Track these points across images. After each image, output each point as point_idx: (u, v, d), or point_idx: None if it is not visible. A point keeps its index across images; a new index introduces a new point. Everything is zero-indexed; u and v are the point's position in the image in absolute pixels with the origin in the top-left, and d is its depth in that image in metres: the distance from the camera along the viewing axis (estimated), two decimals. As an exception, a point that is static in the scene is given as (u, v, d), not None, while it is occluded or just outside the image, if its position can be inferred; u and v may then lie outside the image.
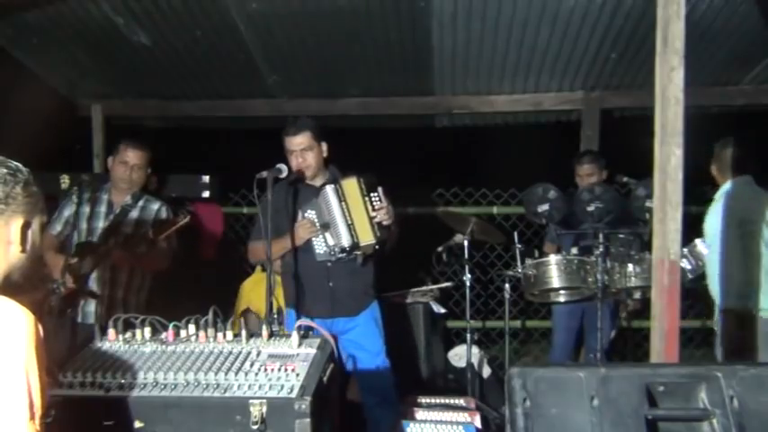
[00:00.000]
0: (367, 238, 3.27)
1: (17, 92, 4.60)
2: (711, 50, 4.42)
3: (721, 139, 3.66)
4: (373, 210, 3.30)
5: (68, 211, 3.64)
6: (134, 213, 3.67)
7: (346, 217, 3.24)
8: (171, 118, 5.76)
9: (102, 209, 3.66)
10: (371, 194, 3.32)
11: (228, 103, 5.43)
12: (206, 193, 4.66)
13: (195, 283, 4.68)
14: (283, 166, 3.25)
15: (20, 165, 1.56)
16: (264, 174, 3.11)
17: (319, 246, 3.30)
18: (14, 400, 1.33)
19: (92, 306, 3.58)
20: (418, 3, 3.96)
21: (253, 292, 4.37)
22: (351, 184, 3.31)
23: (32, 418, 1.36)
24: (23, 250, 1.52)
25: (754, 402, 1.79)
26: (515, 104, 5.29)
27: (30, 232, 1.53)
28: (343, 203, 3.26)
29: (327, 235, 3.27)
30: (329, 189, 3.27)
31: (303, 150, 3.35)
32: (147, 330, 2.49)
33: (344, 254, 3.28)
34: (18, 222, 1.50)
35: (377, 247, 3.32)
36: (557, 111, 5.41)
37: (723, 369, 1.84)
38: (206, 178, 4.66)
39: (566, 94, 5.19)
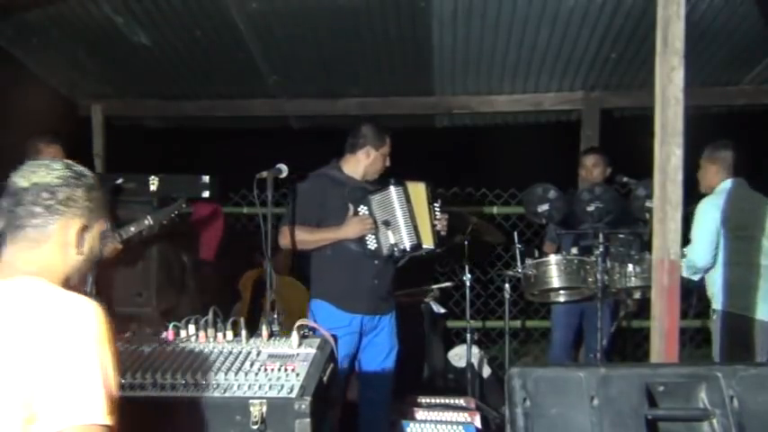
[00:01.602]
0: (429, 242, 3.34)
1: (17, 92, 4.60)
2: (711, 50, 4.42)
3: (714, 143, 3.65)
4: (435, 218, 3.38)
5: None
6: None
7: (411, 218, 3.30)
8: (171, 118, 5.76)
9: None
10: (434, 203, 3.41)
11: (228, 103, 5.43)
12: (206, 193, 4.65)
13: (195, 282, 4.67)
14: (283, 166, 3.25)
15: (86, 169, 1.59)
16: (264, 174, 3.12)
17: (371, 242, 3.32)
18: (93, 393, 1.35)
19: None
20: (418, 2, 3.96)
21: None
22: (419, 189, 3.39)
23: (111, 412, 1.37)
24: (80, 253, 1.54)
25: (754, 402, 1.79)
26: (515, 104, 5.30)
27: (87, 236, 1.56)
28: (409, 205, 3.31)
29: (389, 233, 3.29)
30: (395, 189, 3.31)
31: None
32: (148, 330, 2.49)
33: (401, 254, 3.31)
34: (76, 225, 1.53)
35: (424, 254, 3.38)
36: (557, 111, 5.41)
37: (723, 369, 1.84)
38: (206, 178, 4.65)
39: (566, 94, 5.20)
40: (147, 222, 3.57)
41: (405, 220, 3.29)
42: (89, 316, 1.40)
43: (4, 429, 1.32)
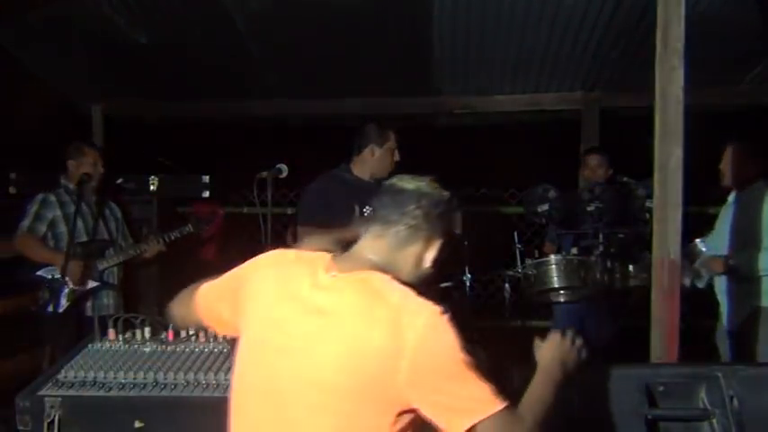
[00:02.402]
0: None
1: (17, 92, 4.60)
2: (711, 50, 4.41)
3: (746, 137, 3.55)
4: None
5: (51, 212, 3.71)
6: (107, 211, 3.94)
7: None
8: (171, 118, 5.76)
9: (84, 208, 3.76)
10: None
11: (228, 103, 5.43)
12: (206, 193, 4.67)
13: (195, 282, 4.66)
14: (283, 166, 3.25)
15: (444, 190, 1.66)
16: (264, 174, 3.11)
17: None
18: (478, 388, 1.42)
19: (106, 299, 3.78)
20: (419, 2, 3.96)
21: None
22: None
23: (497, 393, 1.44)
24: (427, 267, 1.63)
25: (754, 402, 1.79)
26: (515, 104, 5.29)
27: (435, 252, 1.63)
28: None
29: None
30: None
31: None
32: (147, 330, 2.49)
33: None
34: (437, 241, 1.62)
35: None
36: (556, 111, 5.40)
37: (723, 369, 1.84)
38: (206, 178, 4.66)
39: (565, 94, 5.19)
40: (188, 228, 3.94)
41: None
42: (448, 322, 1.45)
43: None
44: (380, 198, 1.65)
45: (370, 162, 3.44)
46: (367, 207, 3.30)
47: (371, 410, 1.43)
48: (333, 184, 3.39)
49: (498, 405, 1.42)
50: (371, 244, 1.61)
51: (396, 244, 1.59)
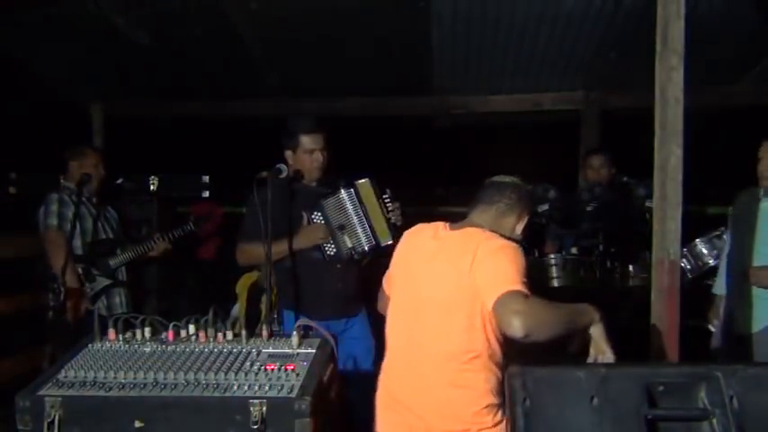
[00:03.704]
0: (386, 238, 3.26)
1: (17, 92, 4.60)
2: (711, 50, 4.41)
3: None
4: (388, 211, 3.30)
5: (69, 211, 3.70)
6: (109, 212, 4.02)
7: (366, 219, 3.24)
8: (171, 118, 5.76)
9: (85, 209, 3.81)
10: (384, 196, 3.32)
11: (228, 103, 5.43)
12: (206, 193, 4.68)
13: (195, 282, 4.68)
14: (283, 166, 3.22)
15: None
16: (264, 174, 3.10)
17: (330, 248, 3.28)
18: (512, 275, 2.04)
19: (118, 298, 3.84)
20: (418, 2, 3.96)
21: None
22: (365, 186, 3.29)
23: (524, 285, 2.01)
24: (518, 235, 2.30)
25: (754, 402, 1.79)
26: (515, 104, 5.29)
27: (523, 224, 2.33)
28: (362, 205, 3.25)
29: (345, 237, 3.24)
30: (346, 192, 3.24)
31: (323, 149, 3.32)
32: (147, 330, 2.49)
33: (360, 256, 3.26)
34: (525, 216, 2.32)
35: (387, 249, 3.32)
36: (557, 111, 5.41)
37: (723, 369, 1.83)
38: (206, 178, 4.67)
39: (566, 94, 5.20)
40: (189, 226, 4.08)
41: (360, 222, 3.24)
42: (512, 243, 2.13)
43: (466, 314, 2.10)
44: (485, 188, 2.33)
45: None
46: (315, 213, 3.26)
47: (471, 311, 2.08)
48: (280, 190, 3.23)
49: (517, 287, 1.96)
50: (479, 215, 2.28)
51: (497, 215, 2.28)
